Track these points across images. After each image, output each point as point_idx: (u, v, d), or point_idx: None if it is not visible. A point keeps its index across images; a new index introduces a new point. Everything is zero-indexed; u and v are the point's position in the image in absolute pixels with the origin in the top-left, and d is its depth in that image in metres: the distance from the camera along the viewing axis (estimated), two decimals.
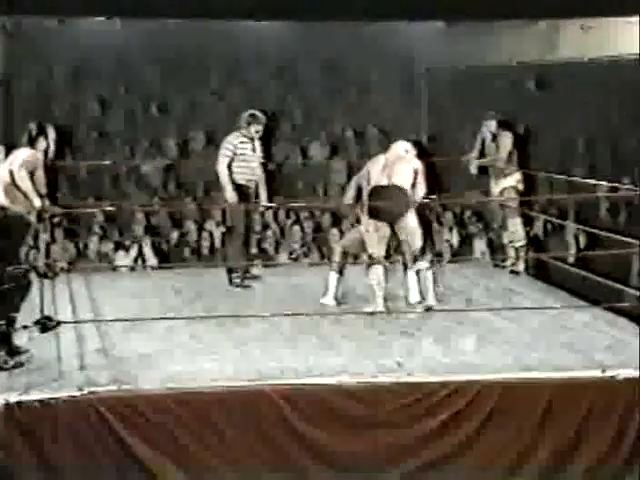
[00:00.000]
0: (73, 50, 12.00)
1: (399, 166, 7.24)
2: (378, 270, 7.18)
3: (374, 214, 7.20)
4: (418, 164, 7.31)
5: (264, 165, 8.40)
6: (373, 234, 7.21)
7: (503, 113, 9.25)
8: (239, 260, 8.15)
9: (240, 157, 8.07)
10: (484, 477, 5.73)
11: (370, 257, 7.25)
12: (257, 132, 8.14)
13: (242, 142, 8.10)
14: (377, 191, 7.22)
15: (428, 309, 7.22)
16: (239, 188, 8.06)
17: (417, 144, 7.63)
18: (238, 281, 8.15)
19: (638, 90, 10.30)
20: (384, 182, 7.20)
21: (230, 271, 8.22)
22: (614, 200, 10.94)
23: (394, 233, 7.23)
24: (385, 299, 7.21)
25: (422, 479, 5.71)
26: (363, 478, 5.66)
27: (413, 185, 7.24)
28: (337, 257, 7.58)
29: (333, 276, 7.52)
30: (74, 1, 8.73)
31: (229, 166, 8.04)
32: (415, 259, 7.25)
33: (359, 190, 7.41)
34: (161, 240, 10.63)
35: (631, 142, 11.54)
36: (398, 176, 7.20)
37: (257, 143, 8.21)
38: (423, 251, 7.27)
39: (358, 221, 7.80)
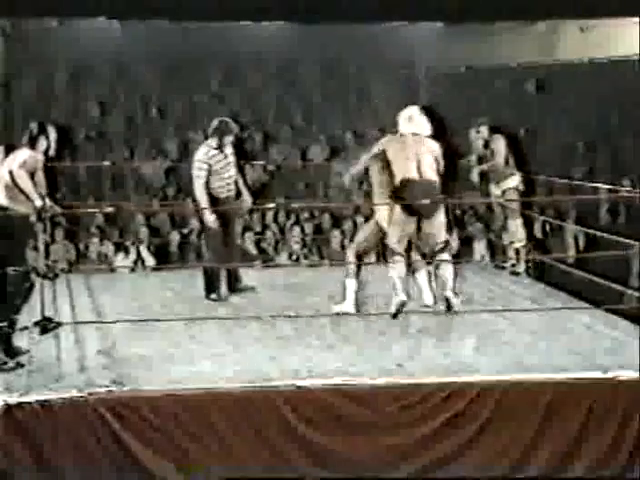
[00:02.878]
0: (73, 51, 12.02)
1: (423, 155, 6.81)
2: (400, 264, 6.83)
3: (407, 209, 6.78)
4: (436, 148, 6.91)
5: (239, 167, 7.88)
6: (397, 228, 6.84)
7: (503, 115, 9.25)
8: (214, 282, 7.69)
9: (216, 172, 7.57)
10: (484, 479, 5.73)
11: (390, 251, 6.88)
12: (231, 145, 7.66)
13: (213, 155, 7.59)
14: (408, 185, 6.75)
15: (449, 309, 6.88)
16: (219, 203, 7.61)
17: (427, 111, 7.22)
18: (214, 296, 7.69)
19: (638, 91, 10.32)
20: (414, 174, 6.76)
21: (209, 284, 7.73)
22: (614, 202, 10.96)
23: (419, 228, 6.85)
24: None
25: None
26: None
27: (438, 172, 6.86)
28: (351, 258, 7.21)
29: (350, 283, 7.14)
30: (73, 2, 8.73)
31: (207, 183, 7.54)
32: (435, 253, 6.88)
33: (366, 170, 7.07)
34: (161, 241, 10.64)
35: (630, 143, 11.56)
36: (426, 166, 6.79)
37: (228, 150, 7.69)
38: (446, 244, 6.91)
39: (370, 214, 7.51)
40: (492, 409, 5.70)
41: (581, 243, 10.40)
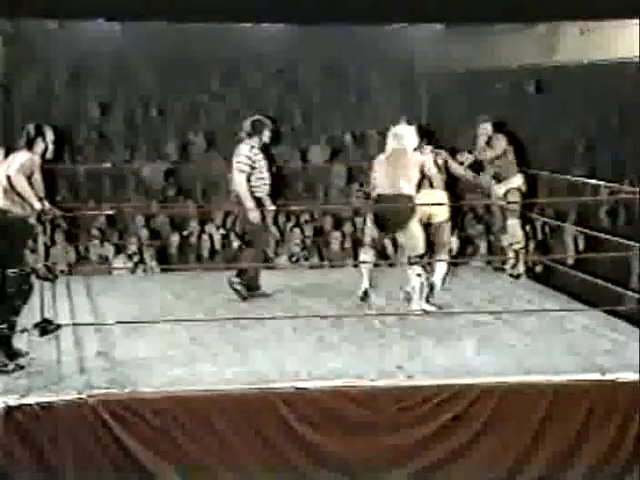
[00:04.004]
0: (73, 52, 12.01)
1: (403, 169, 7.12)
2: (369, 253, 7.39)
3: (377, 224, 7.24)
4: (421, 158, 7.23)
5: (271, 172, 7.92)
6: (372, 233, 7.33)
7: (503, 116, 9.24)
8: (251, 274, 7.80)
9: (256, 170, 7.62)
10: None
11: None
12: (268, 138, 7.68)
13: (256, 154, 7.63)
14: (380, 200, 7.20)
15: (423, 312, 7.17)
16: (257, 201, 7.63)
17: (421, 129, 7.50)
18: (239, 287, 7.73)
19: (637, 93, 10.31)
20: (387, 190, 7.13)
21: (238, 276, 7.77)
22: (614, 203, 10.95)
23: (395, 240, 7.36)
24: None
25: None
26: None
27: (420, 184, 7.17)
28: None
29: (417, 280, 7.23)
30: (73, 3, 8.72)
31: (248, 180, 7.57)
32: (411, 264, 7.18)
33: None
34: (161, 243, 10.64)
35: (630, 144, 11.56)
36: (403, 181, 7.11)
37: (264, 151, 7.76)
38: (421, 258, 7.18)
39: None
40: (492, 411, 5.70)
41: (581, 244, 10.40)
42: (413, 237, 7.16)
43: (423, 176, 7.32)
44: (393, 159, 7.22)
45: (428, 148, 7.70)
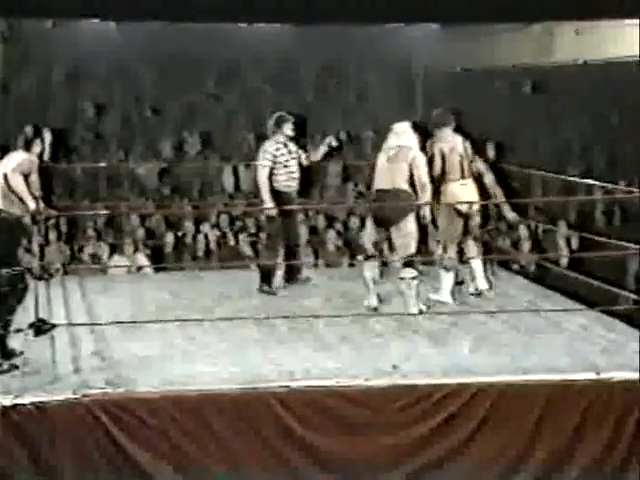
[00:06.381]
0: (69, 53, 12.00)
1: (399, 165, 7.17)
2: (373, 265, 7.27)
3: (374, 219, 7.22)
4: (409, 158, 7.22)
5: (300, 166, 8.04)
6: (369, 233, 7.26)
7: (499, 115, 9.23)
8: (273, 269, 7.97)
9: (280, 165, 7.81)
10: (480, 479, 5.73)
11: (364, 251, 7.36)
12: (292, 131, 7.88)
13: (278, 148, 7.83)
14: (378, 195, 7.22)
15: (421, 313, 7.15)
16: (280, 195, 7.81)
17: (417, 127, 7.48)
18: (267, 289, 7.93)
19: (633, 92, 10.33)
20: (386, 185, 7.17)
21: (263, 276, 7.98)
22: (609, 203, 10.96)
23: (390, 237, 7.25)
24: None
25: None
26: None
27: (413, 183, 7.18)
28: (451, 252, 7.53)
29: (444, 275, 7.44)
30: (70, 3, 8.70)
31: (270, 175, 7.78)
32: (404, 266, 7.16)
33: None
34: (156, 243, 10.62)
35: (626, 144, 11.57)
36: (400, 177, 7.16)
37: (291, 145, 7.94)
38: (413, 260, 7.16)
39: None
40: (488, 410, 5.70)
41: (574, 244, 10.39)
42: (407, 235, 7.14)
43: (444, 167, 7.40)
44: (394, 156, 7.23)
45: (459, 139, 7.64)
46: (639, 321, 6.88)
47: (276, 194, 7.80)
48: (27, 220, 6.29)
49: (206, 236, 10.69)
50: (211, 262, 10.38)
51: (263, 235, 10.07)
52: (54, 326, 5.97)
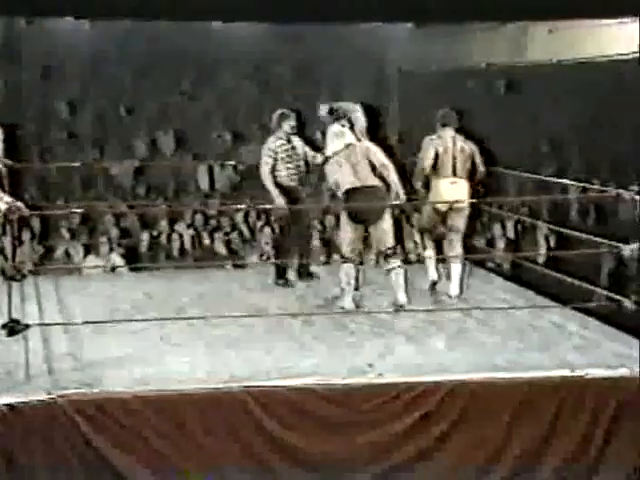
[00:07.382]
0: (42, 51, 11.91)
1: (360, 162, 7.18)
2: (350, 270, 7.20)
3: (351, 217, 7.19)
4: (362, 151, 7.23)
5: (306, 162, 8.21)
6: (346, 235, 7.22)
7: (473, 114, 9.25)
8: (290, 261, 8.16)
9: (282, 160, 8.03)
10: (456, 476, 5.75)
11: (341, 256, 7.30)
12: (292, 128, 8.06)
13: (280, 145, 8.04)
14: (351, 194, 7.17)
15: (399, 308, 7.16)
16: (286, 190, 8.00)
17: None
18: (281, 282, 8.13)
19: (608, 91, 10.39)
20: (355, 183, 7.15)
21: (279, 272, 8.16)
22: (583, 202, 11.03)
23: (367, 233, 7.23)
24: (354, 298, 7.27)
25: (394, 479, 5.72)
26: (335, 479, 5.66)
27: (383, 179, 7.19)
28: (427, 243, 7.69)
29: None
30: (43, 1, 8.63)
31: (273, 171, 7.99)
32: (386, 258, 7.19)
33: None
34: (131, 242, 10.58)
35: (599, 143, 11.64)
36: (364, 172, 7.15)
37: (295, 140, 8.13)
38: (395, 251, 7.22)
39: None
40: (463, 407, 5.72)
41: (552, 242, 10.45)
42: (385, 231, 7.15)
43: (435, 164, 7.50)
44: (347, 156, 7.24)
45: (460, 138, 7.66)
46: (613, 318, 6.93)
47: (280, 188, 7.97)
48: None
49: (181, 235, 10.65)
50: (186, 261, 10.35)
51: (268, 230, 10.24)
52: (27, 326, 5.92)
